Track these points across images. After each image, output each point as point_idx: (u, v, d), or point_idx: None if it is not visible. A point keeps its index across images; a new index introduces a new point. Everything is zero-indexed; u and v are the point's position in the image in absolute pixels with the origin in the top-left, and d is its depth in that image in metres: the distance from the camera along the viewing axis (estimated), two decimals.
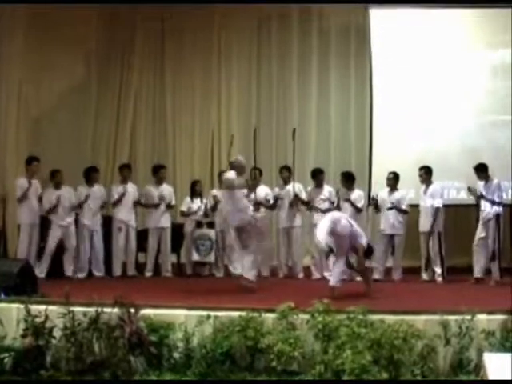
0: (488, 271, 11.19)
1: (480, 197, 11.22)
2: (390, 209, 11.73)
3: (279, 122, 14.61)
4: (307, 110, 14.55)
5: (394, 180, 11.90)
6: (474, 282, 11.04)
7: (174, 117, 14.95)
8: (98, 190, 12.10)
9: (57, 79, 14.13)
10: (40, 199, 11.53)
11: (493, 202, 11.09)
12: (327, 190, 12.06)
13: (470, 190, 11.44)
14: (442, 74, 12.96)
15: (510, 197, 12.40)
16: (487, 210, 11.14)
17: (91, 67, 14.93)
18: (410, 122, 13.06)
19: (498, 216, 11.08)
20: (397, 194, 11.83)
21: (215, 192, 12.29)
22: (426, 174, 11.69)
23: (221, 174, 12.36)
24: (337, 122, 14.45)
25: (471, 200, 11.82)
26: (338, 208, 11.70)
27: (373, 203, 12.02)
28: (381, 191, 12.12)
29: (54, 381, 6.63)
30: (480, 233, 11.23)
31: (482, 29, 12.92)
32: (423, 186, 11.76)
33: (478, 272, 11.16)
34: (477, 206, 11.46)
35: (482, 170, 11.29)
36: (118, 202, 12.03)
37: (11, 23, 12.99)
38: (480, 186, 11.32)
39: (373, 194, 12.28)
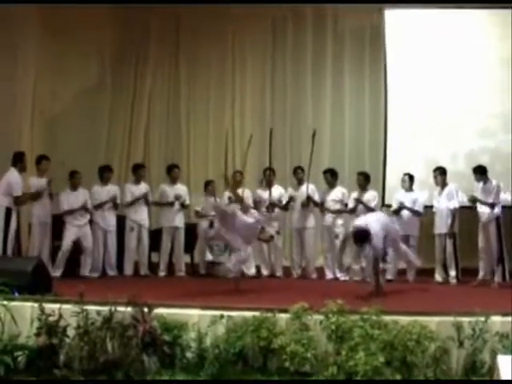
0: (493, 273, 11.13)
1: (477, 201, 11.17)
2: (402, 209, 11.67)
3: (293, 124, 14.63)
4: (321, 112, 14.55)
5: (409, 181, 11.87)
6: (477, 285, 10.98)
7: (188, 117, 15.01)
8: (111, 189, 12.11)
9: (71, 80, 14.23)
10: (51, 197, 11.55)
11: (491, 205, 11.02)
12: (340, 192, 12.02)
13: (471, 200, 11.35)
14: (457, 76, 12.93)
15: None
16: (486, 213, 11.08)
17: (105, 68, 15.04)
18: (425, 124, 13.00)
19: (497, 218, 11.03)
20: (412, 195, 11.77)
21: (228, 193, 12.31)
22: (441, 175, 11.62)
23: (235, 174, 12.38)
24: (351, 124, 14.45)
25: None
26: (354, 210, 11.68)
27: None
28: (396, 193, 12.08)
29: (53, 381, 6.63)
30: (482, 236, 11.19)
31: (497, 31, 12.88)
32: (438, 188, 11.70)
33: (482, 274, 11.13)
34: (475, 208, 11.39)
35: (480, 172, 11.22)
36: (132, 203, 12.05)
37: (25, 25, 13.01)
38: (478, 187, 11.26)
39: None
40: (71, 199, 11.59)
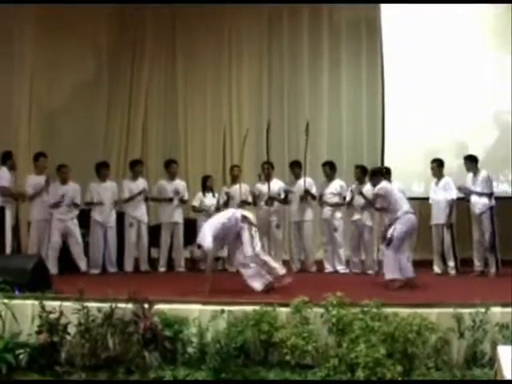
0: (486, 264, 11.18)
1: (470, 193, 11.22)
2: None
3: (291, 117, 14.62)
4: (319, 105, 14.57)
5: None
6: (476, 275, 11.04)
7: (185, 112, 14.99)
8: (109, 185, 12.11)
9: (68, 75, 14.22)
10: None
11: (482, 195, 11.06)
12: (338, 184, 12.00)
13: (460, 189, 11.38)
14: (453, 67, 12.92)
15: (509, 189, 12.42)
16: (478, 203, 11.10)
17: (102, 63, 15.01)
18: (422, 115, 12.99)
19: (491, 208, 11.04)
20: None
21: (226, 189, 12.33)
22: (438, 166, 11.63)
23: (231, 168, 12.39)
24: (348, 116, 14.46)
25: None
26: (351, 203, 11.67)
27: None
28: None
29: (53, 381, 6.67)
30: (475, 227, 11.23)
31: (494, 21, 12.89)
32: (434, 179, 11.71)
33: (478, 265, 11.17)
34: (468, 201, 11.40)
35: (470, 161, 11.29)
36: (130, 199, 12.03)
37: (21, 21, 13.04)
38: (468, 178, 11.33)
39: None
40: (60, 193, 11.57)
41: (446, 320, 6.73)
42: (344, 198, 11.82)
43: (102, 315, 6.84)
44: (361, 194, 11.54)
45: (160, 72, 15.19)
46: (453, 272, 11.29)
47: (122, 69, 15.09)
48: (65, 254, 11.55)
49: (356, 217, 11.65)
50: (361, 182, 11.73)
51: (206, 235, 8.87)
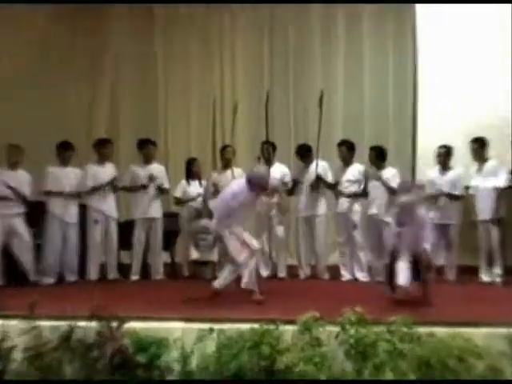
0: None
1: None
2: (444, 195, 11.58)
3: (297, 87, 14.52)
4: (333, 72, 14.55)
5: (445, 156, 11.73)
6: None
7: (165, 80, 14.91)
8: (72, 171, 11.99)
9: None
10: None
11: None
12: (357, 170, 11.85)
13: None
14: (494, 34, 12.97)
15: None
16: None
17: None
18: (462, 87, 13.04)
19: None
20: (451, 174, 11.62)
21: (216, 175, 12.20)
22: (481, 147, 11.45)
23: (223, 149, 12.30)
24: (371, 86, 14.41)
25: None
26: (366, 191, 11.57)
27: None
28: (429, 170, 11.98)
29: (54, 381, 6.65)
30: None
31: None
32: (476, 164, 11.57)
33: None
34: None
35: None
36: (96, 189, 11.93)
37: None
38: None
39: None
40: (4, 182, 11.45)
41: (496, 342, 6.68)
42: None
43: (58, 336, 6.79)
44: (380, 179, 11.43)
45: (131, 33, 15.00)
46: (498, 280, 11.18)
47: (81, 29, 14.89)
48: (9, 259, 11.46)
49: (373, 210, 11.51)
50: (377, 167, 11.60)
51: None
